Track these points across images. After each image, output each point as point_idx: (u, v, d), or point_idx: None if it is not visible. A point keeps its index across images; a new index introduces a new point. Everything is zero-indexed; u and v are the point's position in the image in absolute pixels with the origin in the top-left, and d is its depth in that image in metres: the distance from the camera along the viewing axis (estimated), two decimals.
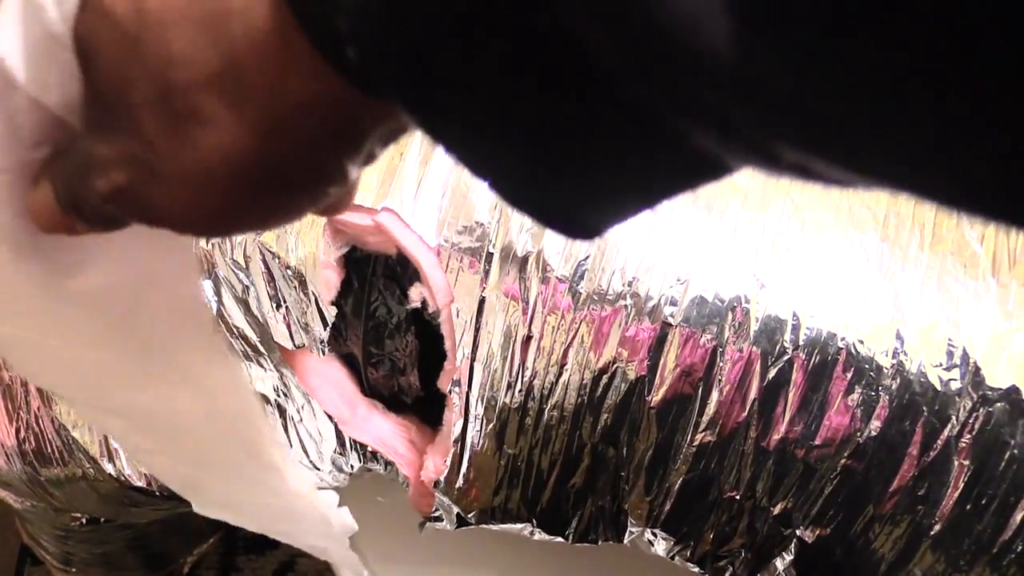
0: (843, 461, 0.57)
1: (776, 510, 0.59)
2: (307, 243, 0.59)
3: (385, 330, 0.63)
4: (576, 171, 0.24)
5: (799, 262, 0.57)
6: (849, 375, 0.56)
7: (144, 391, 0.37)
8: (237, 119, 0.25)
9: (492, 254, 0.58)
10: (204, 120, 0.25)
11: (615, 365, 0.57)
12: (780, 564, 0.61)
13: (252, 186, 0.26)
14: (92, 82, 0.26)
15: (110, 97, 0.26)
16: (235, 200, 0.27)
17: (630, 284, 0.57)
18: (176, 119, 0.25)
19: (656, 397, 0.57)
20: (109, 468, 0.67)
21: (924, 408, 0.55)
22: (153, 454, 0.44)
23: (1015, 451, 0.55)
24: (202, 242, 0.60)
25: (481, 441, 0.60)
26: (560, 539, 0.64)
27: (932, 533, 0.57)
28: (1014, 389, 0.55)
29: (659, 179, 0.24)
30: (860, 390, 0.56)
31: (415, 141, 0.59)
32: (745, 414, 0.57)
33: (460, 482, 0.62)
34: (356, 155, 0.27)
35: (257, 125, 0.25)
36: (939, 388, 0.55)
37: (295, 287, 0.59)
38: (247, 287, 0.60)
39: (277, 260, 0.59)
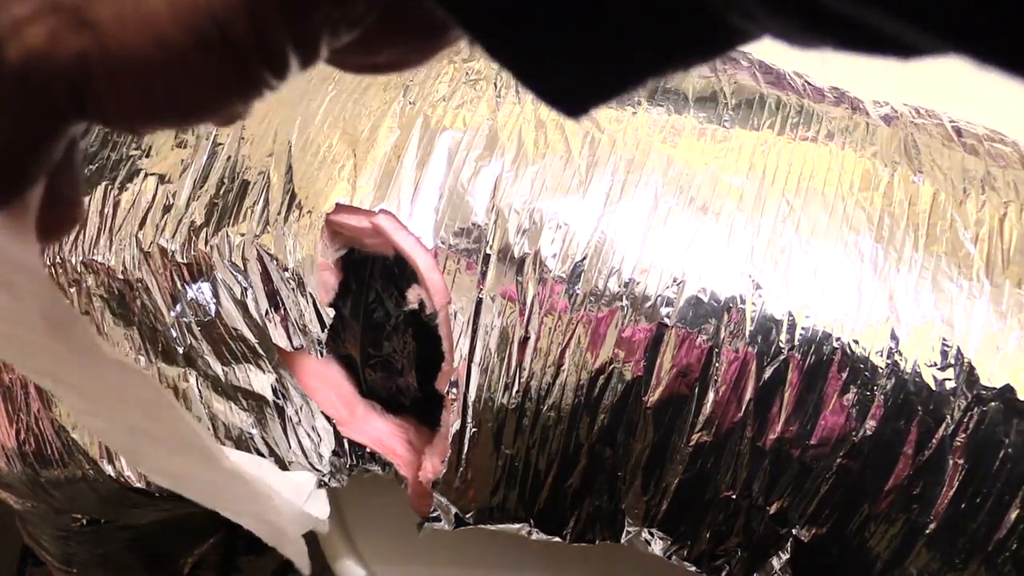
0: (838, 460, 0.57)
1: (772, 509, 0.59)
2: (305, 245, 0.59)
3: (383, 332, 0.64)
4: (573, 28, 0.22)
5: (794, 263, 0.58)
6: (844, 375, 0.56)
7: (62, 360, 0.36)
8: None
9: (489, 256, 0.58)
10: None
11: (612, 366, 0.58)
12: (776, 563, 0.61)
13: (196, 38, 0.23)
14: None
15: None
16: (175, 57, 0.23)
17: (626, 285, 0.58)
18: None
19: (652, 397, 0.58)
20: (108, 469, 0.67)
21: (919, 407, 0.56)
22: (91, 415, 0.43)
23: (1009, 450, 0.56)
24: (200, 244, 0.61)
25: (478, 442, 0.61)
26: (558, 539, 0.65)
27: (927, 532, 0.58)
28: (1008, 388, 0.56)
29: (658, 47, 0.22)
30: (855, 390, 0.56)
31: (412, 143, 0.60)
32: (741, 414, 0.58)
33: (458, 482, 0.63)
34: (303, 33, 0.23)
35: None
36: (934, 388, 0.56)
37: (293, 289, 0.60)
38: (245, 289, 0.61)
39: (275, 262, 0.60)
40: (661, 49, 0.22)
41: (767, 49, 0.55)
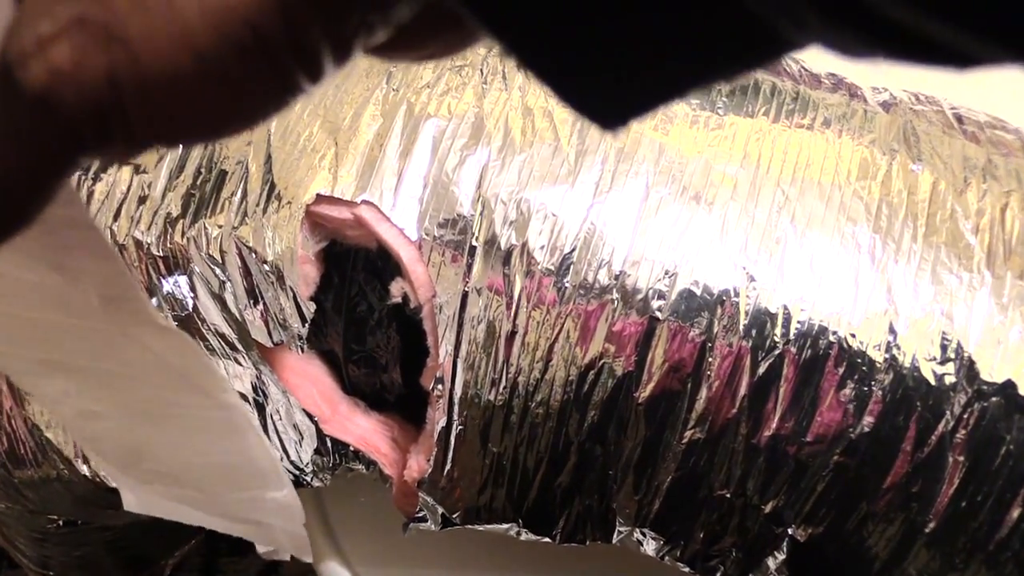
0: (835, 458, 0.57)
1: (767, 508, 0.59)
2: (285, 237, 0.59)
3: (366, 326, 0.63)
4: (614, 39, 0.21)
5: (789, 254, 0.57)
6: (841, 370, 0.56)
7: (89, 341, 0.36)
8: None
9: (475, 248, 0.58)
10: None
11: (602, 361, 0.58)
12: (772, 563, 0.61)
13: (232, 46, 0.22)
14: None
15: None
16: (211, 68, 0.22)
17: (617, 278, 0.57)
18: None
19: (644, 393, 0.58)
20: (84, 469, 0.67)
21: (918, 403, 0.56)
22: (97, 418, 0.42)
23: (1011, 447, 0.55)
24: (176, 236, 0.60)
25: (465, 439, 0.61)
26: (547, 539, 0.64)
27: (927, 531, 0.57)
28: (1009, 384, 0.55)
29: (700, 57, 0.21)
30: (852, 385, 0.56)
31: (395, 132, 0.60)
32: (735, 410, 0.57)
33: (444, 482, 0.62)
34: (338, 35, 0.23)
35: None
36: (933, 383, 0.56)
37: (273, 283, 0.60)
38: (223, 283, 0.60)
39: (254, 255, 0.59)
40: (706, 60, 0.21)
41: None
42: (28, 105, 0.22)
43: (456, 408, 0.60)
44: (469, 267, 0.58)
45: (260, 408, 0.63)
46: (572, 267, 0.57)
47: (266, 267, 0.59)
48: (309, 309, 0.60)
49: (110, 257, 0.33)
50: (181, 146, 0.23)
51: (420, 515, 0.64)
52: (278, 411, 0.64)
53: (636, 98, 0.23)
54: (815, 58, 0.69)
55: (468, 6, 0.21)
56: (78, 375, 0.38)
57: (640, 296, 0.57)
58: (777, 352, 0.56)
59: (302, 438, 0.65)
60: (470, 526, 0.65)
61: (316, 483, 0.67)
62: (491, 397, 0.59)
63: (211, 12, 0.21)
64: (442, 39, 0.26)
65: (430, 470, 0.62)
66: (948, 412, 0.55)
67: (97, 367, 0.38)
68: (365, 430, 0.66)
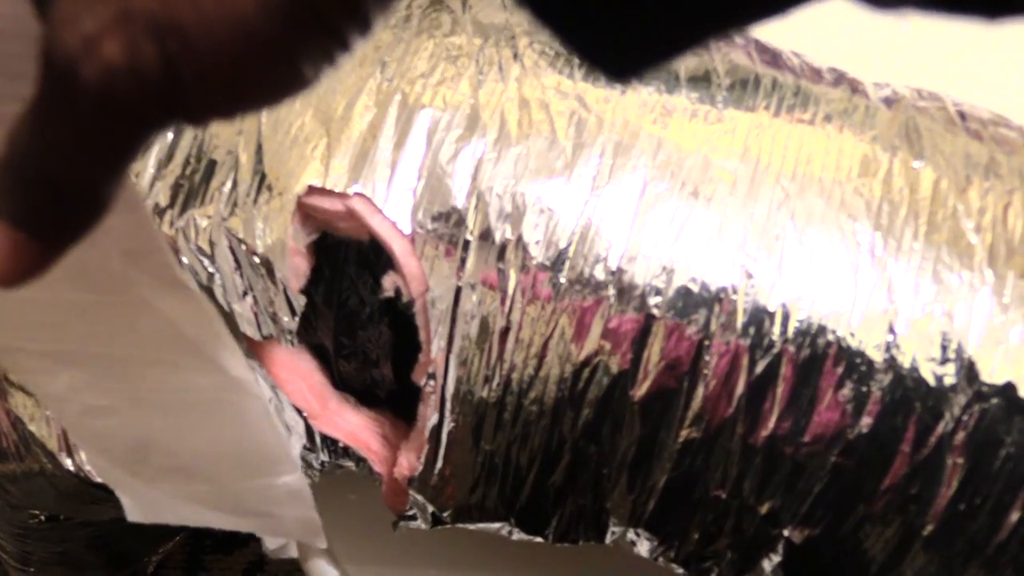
0: (833, 459, 0.57)
1: (764, 509, 0.59)
2: (275, 229, 0.59)
3: (357, 320, 0.63)
4: None
5: (789, 251, 0.58)
6: (840, 369, 0.56)
7: (103, 322, 0.36)
8: None
9: (469, 241, 0.58)
10: None
11: (597, 358, 0.58)
12: (768, 565, 0.61)
13: (283, 18, 0.22)
14: None
15: None
16: (266, 39, 0.23)
17: (613, 274, 0.57)
18: None
19: (640, 392, 0.58)
20: (68, 463, 0.67)
21: (917, 404, 0.56)
22: (104, 414, 0.43)
23: (1010, 449, 0.56)
24: (165, 227, 0.60)
25: (457, 437, 0.61)
26: (539, 539, 0.65)
27: (924, 533, 0.58)
28: (1010, 386, 0.56)
29: (723, 3, 0.21)
30: (851, 385, 0.56)
31: (389, 123, 0.60)
32: (732, 410, 0.57)
33: (435, 479, 0.63)
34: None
35: None
36: (932, 384, 0.56)
37: (263, 275, 0.60)
38: (212, 275, 0.60)
39: (244, 247, 0.59)
40: (724, 7, 0.21)
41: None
42: (88, 103, 0.22)
43: (448, 405, 0.60)
44: (463, 261, 0.58)
45: None
46: (568, 262, 0.57)
47: (256, 259, 0.59)
48: (299, 302, 0.60)
49: (136, 208, 0.33)
50: (246, 114, 0.24)
51: (410, 513, 0.65)
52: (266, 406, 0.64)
53: (650, 47, 0.23)
54: (816, 52, 0.69)
55: None
56: (87, 365, 0.38)
57: (637, 292, 0.57)
58: (775, 351, 0.56)
59: (291, 434, 0.65)
60: (461, 525, 0.65)
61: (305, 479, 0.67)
62: (484, 394, 0.59)
63: None
64: None
65: (421, 468, 0.62)
66: (947, 413, 0.56)
67: (108, 353, 0.38)
68: (355, 426, 0.66)
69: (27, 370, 0.41)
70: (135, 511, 0.50)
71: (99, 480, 0.67)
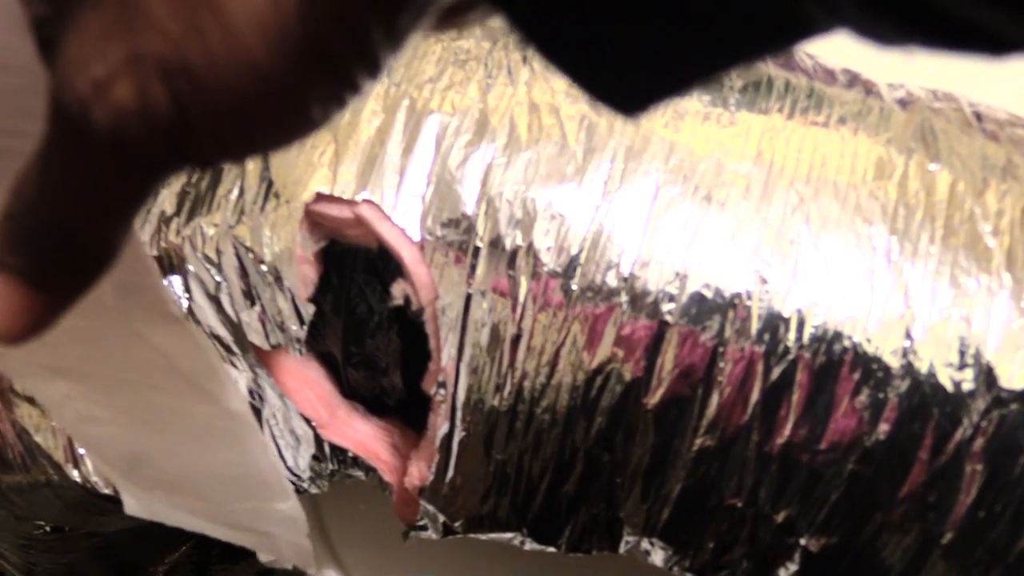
0: (850, 466, 0.57)
1: (779, 518, 0.59)
2: (283, 237, 0.59)
3: (366, 329, 0.63)
4: (632, 21, 0.21)
5: (804, 256, 0.58)
6: (856, 376, 0.56)
7: (97, 345, 0.36)
8: None
9: (479, 248, 0.58)
10: None
11: (610, 365, 0.58)
12: (784, 575, 0.61)
13: (294, 61, 0.22)
14: None
15: None
16: (276, 83, 0.23)
17: (625, 280, 0.57)
18: None
19: (653, 399, 0.58)
20: (74, 474, 0.67)
21: (935, 410, 0.56)
22: (98, 423, 0.43)
23: None
24: (171, 235, 0.61)
25: (468, 446, 0.61)
26: (552, 549, 0.65)
27: (943, 542, 0.58)
28: None
29: (726, 39, 0.21)
30: (867, 391, 0.56)
31: (397, 128, 0.60)
32: (747, 417, 0.57)
33: (446, 489, 0.63)
34: (393, 29, 0.23)
35: None
36: (950, 389, 0.56)
37: (271, 283, 0.60)
38: (219, 284, 0.60)
39: (251, 255, 0.59)
40: (731, 42, 0.21)
41: None
42: (98, 147, 0.23)
43: (459, 414, 0.60)
44: (473, 268, 0.58)
45: (257, 412, 0.64)
46: (579, 269, 0.57)
47: (264, 267, 0.59)
48: (308, 311, 0.61)
49: (131, 241, 0.33)
50: (257, 155, 0.24)
51: (421, 523, 0.65)
52: (275, 416, 0.64)
53: (657, 82, 0.23)
54: (830, 53, 0.69)
55: None
56: (81, 380, 0.39)
57: (649, 299, 0.57)
58: (790, 357, 0.56)
59: (299, 443, 0.65)
60: (472, 535, 0.65)
61: (314, 490, 0.68)
62: (495, 402, 0.59)
63: (269, 31, 0.22)
64: (479, 11, 0.27)
65: (431, 477, 0.62)
66: (966, 420, 0.56)
67: (101, 372, 0.38)
68: (365, 435, 0.66)
69: (22, 375, 0.41)
70: (132, 506, 0.50)
71: (106, 491, 0.68)
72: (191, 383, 0.40)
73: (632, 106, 0.23)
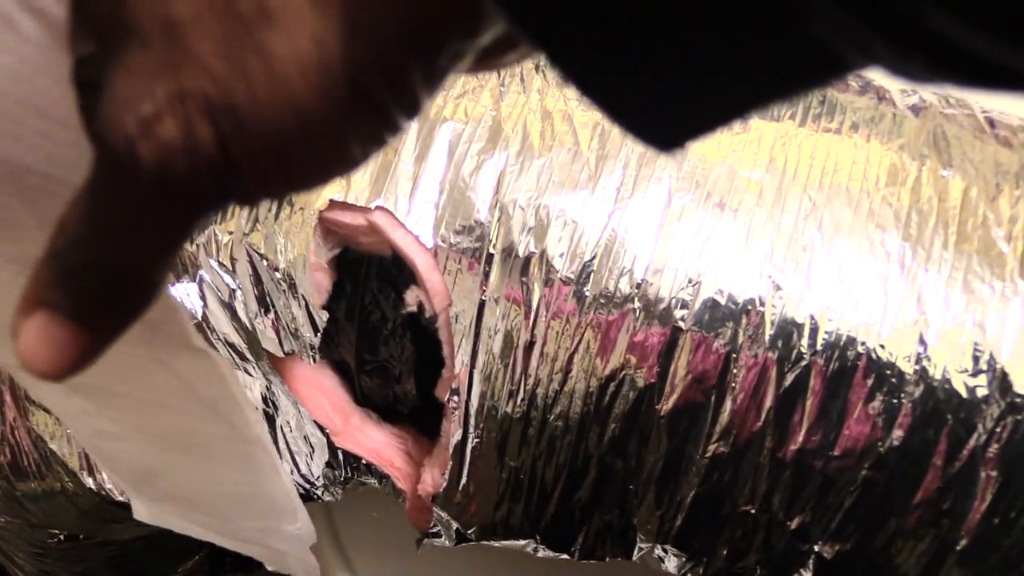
0: (864, 472, 0.57)
1: (793, 524, 0.60)
2: (297, 244, 0.60)
3: (379, 336, 0.64)
4: (670, 60, 0.22)
5: (816, 262, 0.58)
6: (870, 382, 0.57)
7: (117, 366, 0.37)
8: (317, 9, 0.22)
9: (492, 255, 0.58)
10: (275, 18, 0.22)
11: (623, 372, 0.58)
12: None
13: (334, 102, 0.23)
14: (102, 18, 0.23)
15: (140, 23, 0.22)
16: (318, 123, 0.23)
17: (638, 287, 0.58)
18: (238, 25, 0.22)
19: (666, 406, 0.58)
20: (89, 482, 0.68)
21: (949, 416, 0.56)
22: (113, 438, 0.43)
23: None
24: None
25: (481, 453, 0.61)
26: (565, 556, 0.65)
27: (958, 548, 0.58)
28: None
29: (759, 78, 0.22)
30: (881, 397, 0.57)
31: (410, 136, 0.60)
32: (760, 423, 0.58)
33: (459, 496, 0.63)
34: (432, 71, 0.24)
35: (340, 16, 0.22)
36: (964, 395, 0.56)
37: (284, 291, 0.60)
38: (233, 291, 0.61)
39: (265, 262, 0.60)
40: (766, 81, 0.22)
41: None
42: (144, 185, 0.23)
43: (472, 420, 0.60)
44: (486, 275, 0.58)
45: (270, 420, 0.64)
46: (592, 275, 0.58)
47: (278, 275, 0.60)
48: (321, 318, 0.61)
49: None
50: (296, 193, 0.24)
51: (434, 530, 0.65)
52: (288, 423, 0.65)
53: (694, 120, 0.23)
54: None
55: (527, 32, 0.21)
56: (99, 396, 0.39)
57: (663, 305, 0.58)
58: (804, 363, 0.57)
59: (313, 451, 0.66)
60: (486, 542, 0.65)
61: (327, 497, 0.68)
62: (508, 409, 0.60)
63: (312, 73, 0.22)
64: (517, 51, 0.28)
65: (445, 484, 0.63)
66: (980, 425, 0.56)
67: (119, 391, 0.38)
68: (378, 443, 0.66)
69: (41, 388, 0.41)
70: (141, 512, 0.51)
71: (120, 498, 0.68)
72: (208, 408, 0.40)
73: (669, 142, 0.24)
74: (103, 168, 0.24)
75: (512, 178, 0.59)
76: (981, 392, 0.56)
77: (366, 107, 0.23)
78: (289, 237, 0.60)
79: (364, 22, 0.22)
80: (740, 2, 0.19)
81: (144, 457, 0.45)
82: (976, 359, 0.56)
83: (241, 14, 0.22)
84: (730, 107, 0.22)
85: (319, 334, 0.62)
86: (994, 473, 0.56)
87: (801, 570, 0.61)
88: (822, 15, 0.18)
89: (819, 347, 0.57)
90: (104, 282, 0.25)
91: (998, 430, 0.56)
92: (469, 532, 0.65)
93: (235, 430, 0.42)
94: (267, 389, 0.64)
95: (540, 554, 0.65)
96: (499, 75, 0.63)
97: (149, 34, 0.22)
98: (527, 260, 0.58)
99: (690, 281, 0.58)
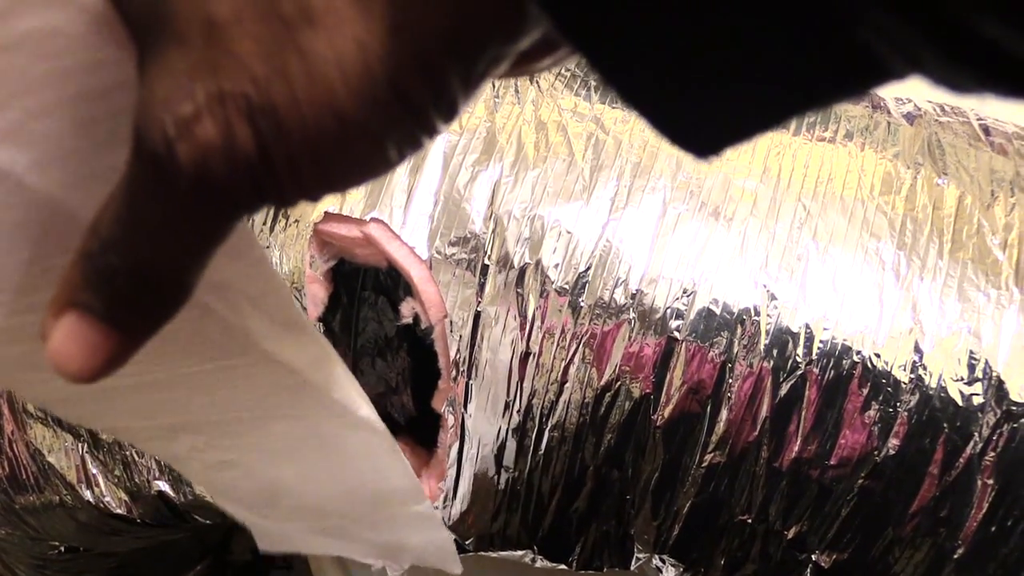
0: (860, 481, 0.57)
1: (790, 534, 0.60)
2: (292, 256, 0.60)
3: (376, 347, 0.64)
4: (713, 65, 0.22)
5: (811, 272, 0.58)
6: (865, 391, 0.57)
7: (218, 390, 0.36)
8: (359, 11, 0.22)
9: (487, 266, 0.59)
10: (317, 19, 0.22)
11: (619, 382, 0.58)
12: None
13: (374, 105, 0.23)
14: (141, 16, 0.23)
15: (180, 22, 0.23)
16: (357, 126, 0.23)
17: (633, 297, 0.58)
18: (279, 26, 0.22)
19: (662, 416, 0.58)
20: (87, 495, 0.68)
21: (945, 425, 0.56)
22: (228, 468, 0.42)
23: None
24: None
25: (478, 464, 0.61)
26: (563, 566, 0.65)
27: (955, 557, 0.58)
28: None
29: (800, 85, 0.22)
30: (877, 406, 0.57)
31: None
32: (756, 433, 0.58)
33: (456, 507, 0.63)
34: (470, 76, 0.24)
35: (382, 18, 0.22)
36: (960, 403, 0.56)
37: None
38: None
39: None
40: (808, 88, 0.22)
41: None
42: (182, 186, 0.23)
43: (469, 431, 0.61)
44: (482, 286, 0.59)
45: None
46: (587, 286, 0.58)
47: None
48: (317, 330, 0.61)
49: (252, 249, 0.33)
50: (333, 194, 0.24)
51: None
52: None
53: (733, 126, 0.23)
54: None
55: (570, 36, 0.21)
56: (206, 430, 0.38)
57: (658, 315, 0.58)
58: (799, 373, 0.57)
59: None
60: (483, 553, 0.65)
61: None
62: (505, 420, 0.60)
63: (353, 76, 0.22)
64: (552, 56, 0.28)
65: (442, 495, 0.63)
66: (976, 434, 0.56)
67: (224, 417, 0.37)
68: None
69: (143, 439, 0.40)
70: (267, 543, 0.50)
71: (118, 511, 0.68)
72: (319, 398, 0.39)
73: (707, 148, 0.24)
74: (139, 168, 0.24)
75: (507, 189, 0.59)
76: (977, 400, 0.56)
77: (405, 110, 0.23)
78: (285, 249, 0.60)
79: (405, 25, 0.22)
80: (787, 6, 0.19)
81: (264, 476, 0.44)
82: (972, 367, 0.57)
83: (283, 15, 0.22)
84: (770, 114, 0.22)
85: None
86: (991, 481, 0.56)
87: None
88: (872, 22, 0.18)
89: (814, 356, 0.57)
90: (138, 283, 0.25)
91: (994, 438, 0.56)
92: (467, 543, 0.65)
93: (346, 416, 0.41)
94: None
95: (538, 564, 0.66)
96: (493, 86, 0.63)
97: (189, 34, 0.22)
98: (522, 271, 0.58)
99: (685, 291, 0.58)
